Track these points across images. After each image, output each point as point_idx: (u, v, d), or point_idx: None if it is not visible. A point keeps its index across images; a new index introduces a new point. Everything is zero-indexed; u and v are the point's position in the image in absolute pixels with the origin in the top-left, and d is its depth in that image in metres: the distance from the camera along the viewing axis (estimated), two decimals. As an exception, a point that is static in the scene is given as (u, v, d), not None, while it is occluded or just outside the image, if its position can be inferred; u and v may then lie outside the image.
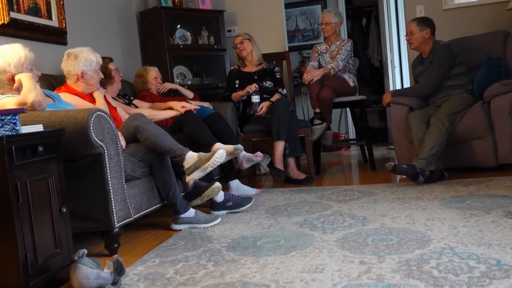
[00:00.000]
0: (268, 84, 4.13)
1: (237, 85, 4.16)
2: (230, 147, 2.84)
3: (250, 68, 4.21)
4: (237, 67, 4.25)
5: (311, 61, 4.44)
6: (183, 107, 3.35)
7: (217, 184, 2.91)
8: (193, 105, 3.41)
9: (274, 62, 4.33)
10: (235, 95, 4.10)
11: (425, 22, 3.72)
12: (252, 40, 4.19)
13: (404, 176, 3.35)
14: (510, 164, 3.44)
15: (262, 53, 4.30)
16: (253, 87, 3.95)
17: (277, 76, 4.20)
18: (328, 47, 4.38)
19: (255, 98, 3.95)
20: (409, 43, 3.80)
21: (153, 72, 3.91)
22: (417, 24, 3.71)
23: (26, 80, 2.25)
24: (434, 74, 3.63)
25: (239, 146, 2.88)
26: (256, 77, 4.15)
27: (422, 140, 3.38)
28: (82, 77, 2.79)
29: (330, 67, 4.16)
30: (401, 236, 2.16)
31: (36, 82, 2.31)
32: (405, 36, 3.83)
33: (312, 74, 4.13)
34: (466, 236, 2.07)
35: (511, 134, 3.37)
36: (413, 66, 4.00)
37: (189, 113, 3.34)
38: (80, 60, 2.77)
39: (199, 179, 2.79)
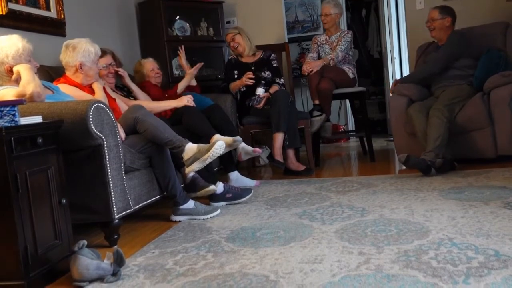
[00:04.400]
0: (266, 74, 4.12)
1: (235, 76, 4.14)
2: (229, 138, 2.83)
3: (248, 58, 4.20)
4: (235, 57, 4.24)
5: (311, 52, 4.43)
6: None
7: (212, 187, 2.90)
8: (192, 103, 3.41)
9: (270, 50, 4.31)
10: (233, 86, 4.09)
11: (447, 11, 3.76)
12: (242, 33, 4.16)
13: (415, 168, 3.32)
14: (510, 156, 3.44)
15: (260, 44, 4.28)
16: (247, 78, 3.92)
17: (274, 65, 4.17)
18: (327, 39, 4.37)
19: (260, 91, 3.94)
20: (430, 30, 3.81)
21: (148, 65, 3.86)
22: (439, 12, 3.75)
23: (24, 71, 2.25)
24: (442, 53, 3.64)
25: (238, 138, 2.87)
26: (253, 68, 4.13)
27: (425, 132, 3.38)
28: (81, 68, 2.77)
29: (330, 58, 4.15)
30: (400, 227, 2.16)
31: (34, 73, 2.31)
32: (426, 23, 3.83)
33: (311, 65, 4.12)
34: (465, 227, 2.08)
35: (511, 126, 3.37)
36: (425, 53, 3.98)
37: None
38: (78, 51, 2.76)
39: (198, 171, 2.79)
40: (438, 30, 3.75)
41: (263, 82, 4.01)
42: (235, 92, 4.13)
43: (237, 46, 4.14)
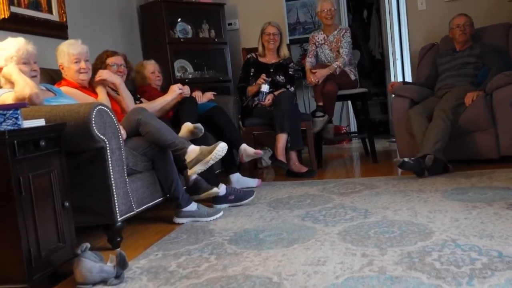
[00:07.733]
0: (281, 79, 4.11)
1: (252, 73, 4.13)
2: (190, 125, 2.83)
3: (269, 58, 4.18)
4: (254, 56, 4.22)
5: (309, 56, 4.31)
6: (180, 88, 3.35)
7: (215, 189, 2.90)
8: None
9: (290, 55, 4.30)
10: (250, 89, 4.06)
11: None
12: (283, 37, 4.22)
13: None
14: (512, 156, 3.43)
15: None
16: (262, 79, 3.92)
17: (290, 72, 4.16)
18: (326, 37, 4.26)
19: (265, 87, 3.91)
20: (463, 33, 3.84)
21: (149, 67, 3.80)
22: (471, 21, 3.87)
23: (12, 75, 2.25)
24: (502, 64, 3.66)
25: (198, 124, 2.83)
26: (271, 70, 4.12)
27: (424, 134, 3.37)
28: (63, 69, 2.82)
29: (336, 66, 4.07)
30: (403, 229, 2.16)
31: (21, 72, 2.30)
32: (460, 26, 3.84)
33: (317, 76, 4.04)
34: (468, 228, 2.07)
35: (513, 126, 3.37)
36: (439, 55, 3.99)
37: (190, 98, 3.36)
38: (58, 53, 2.85)
39: (201, 173, 2.79)
40: (468, 36, 3.83)
41: (268, 80, 3.99)
42: (250, 95, 4.08)
43: (274, 42, 4.12)
